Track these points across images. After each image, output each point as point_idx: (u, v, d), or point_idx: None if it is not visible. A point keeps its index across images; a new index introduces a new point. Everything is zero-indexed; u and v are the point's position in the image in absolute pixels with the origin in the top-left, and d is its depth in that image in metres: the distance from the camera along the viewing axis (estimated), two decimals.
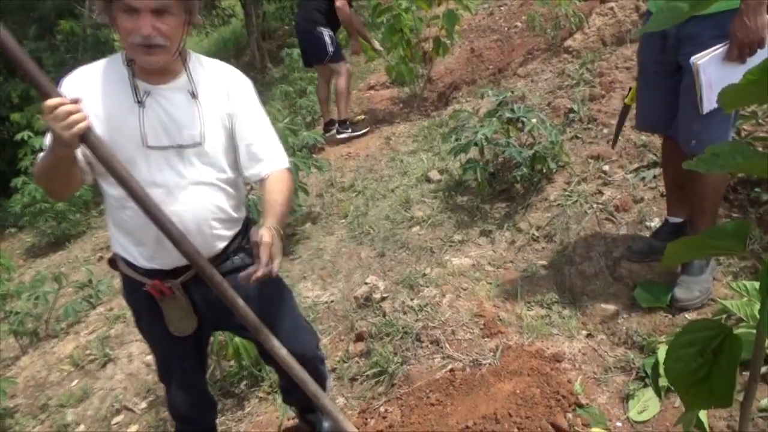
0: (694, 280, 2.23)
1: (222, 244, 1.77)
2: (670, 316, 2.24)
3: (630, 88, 2.38)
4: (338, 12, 4.96)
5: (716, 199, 2.20)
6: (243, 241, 1.84)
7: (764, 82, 0.77)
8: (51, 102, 1.39)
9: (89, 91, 1.58)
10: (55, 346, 3.80)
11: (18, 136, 6.27)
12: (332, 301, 3.11)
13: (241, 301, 1.70)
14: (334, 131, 5.41)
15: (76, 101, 1.44)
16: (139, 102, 1.59)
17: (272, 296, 1.89)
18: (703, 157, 0.89)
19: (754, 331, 1.82)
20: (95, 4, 1.53)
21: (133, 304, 1.86)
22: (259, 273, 1.53)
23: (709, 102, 1.95)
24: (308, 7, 5.07)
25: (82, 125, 1.44)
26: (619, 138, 2.67)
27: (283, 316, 1.90)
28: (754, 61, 1.88)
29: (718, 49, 1.90)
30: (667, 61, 2.15)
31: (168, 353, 1.90)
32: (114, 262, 1.82)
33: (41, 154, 1.59)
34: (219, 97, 1.68)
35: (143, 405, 2.92)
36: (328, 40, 5.02)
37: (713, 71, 1.90)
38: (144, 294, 1.73)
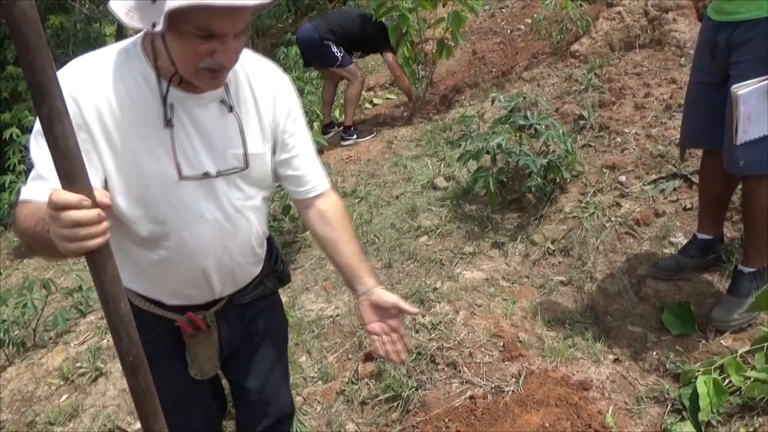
0: (737, 302, 2.09)
1: (258, 268, 1.55)
2: (703, 341, 2.12)
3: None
4: (390, 67, 5.08)
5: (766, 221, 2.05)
6: (270, 262, 1.62)
7: None
8: (63, 199, 0.88)
9: (105, 107, 1.18)
10: (43, 357, 3.62)
11: (6, 134, 6.03)
12: (338, 315, 2.96)
13: None
14: (333, 133, 5.31)
15: (102, 206, 0.92)
16: (167, 121, 1.23)
17: (274, 341, 1.69)
18: None
19: None
20: (160, 20, 1.05)
21: (150, 345, 1.32)
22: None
23: (744, 134, 1.87)
24: (322, 26, 4.94)
25: (94, 243, 0.90)
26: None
27: (276, 365, 1.70)
28: None
29: (762, 82, 1.82)
30: (715, 70, 2.04)
31: (186, 404, 1.57)
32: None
33: (22, 211, 1.14)
34: (263, 106, 1.36)
35: (137, 426, 2.75)
36: (335, 48, 4.91)
37: (754, 103, 1.83)
38: (165, 332, 1.46)
